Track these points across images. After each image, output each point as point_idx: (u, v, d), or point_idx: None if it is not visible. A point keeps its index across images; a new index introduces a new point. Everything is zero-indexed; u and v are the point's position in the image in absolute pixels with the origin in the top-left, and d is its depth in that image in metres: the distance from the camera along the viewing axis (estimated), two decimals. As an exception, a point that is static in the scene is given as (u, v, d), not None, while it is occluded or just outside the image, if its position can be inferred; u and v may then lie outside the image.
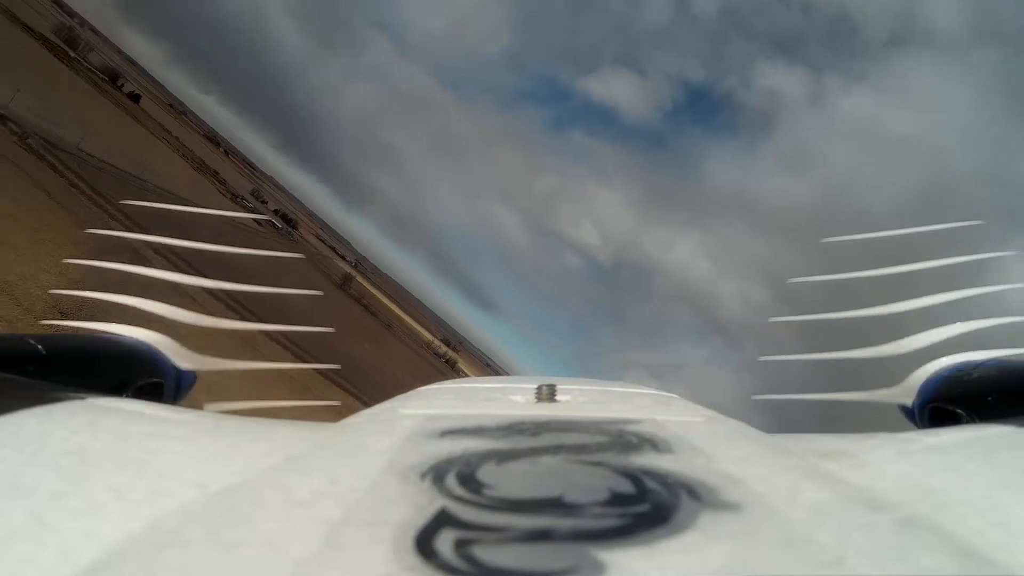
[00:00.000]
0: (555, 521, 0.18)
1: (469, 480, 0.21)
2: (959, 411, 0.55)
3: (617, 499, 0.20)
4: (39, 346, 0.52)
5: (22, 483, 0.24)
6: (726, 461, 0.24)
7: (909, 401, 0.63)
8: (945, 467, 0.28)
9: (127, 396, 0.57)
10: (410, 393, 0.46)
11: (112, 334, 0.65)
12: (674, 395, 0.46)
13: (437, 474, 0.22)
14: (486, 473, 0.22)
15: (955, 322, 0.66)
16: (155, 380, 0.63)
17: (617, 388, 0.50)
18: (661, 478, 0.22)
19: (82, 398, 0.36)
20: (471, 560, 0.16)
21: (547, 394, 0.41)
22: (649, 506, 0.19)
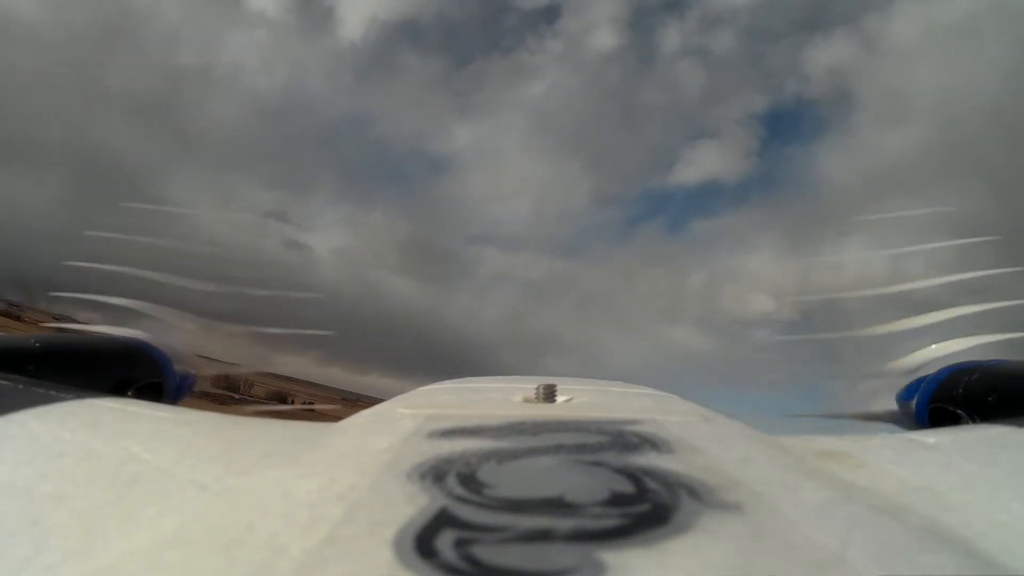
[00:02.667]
0: (555, 521, 0.18)
1: (469, 480, 0.21)
2: (959, 411, 0.55)
3: (617, 499, 0.20)
4: (39, 346, 0.52)
5: (23, 483, 0.24)
6: (726, 461, 0.24)
7: (910, 402, 0.63)
8: (945, 467, 0.28)
9: (128, 396, 0.57)
10: (410, 393, 0.46)
11: (112, 335, 0.65)
12: (674, 395, 0.46)
13: (437, 474, 0.22)
14: (486, 473, 0.22)
15: (958, 328, 0.67)
16: (155, 380, 0.63)
17: (617, 388, 0.50)
18: (661, 478, 0.22)
19: (82, 398, 0.36)
20: (471, 560, 0.16)
21: (547, 394, 0.41)
22: (649, 506, 0.19)
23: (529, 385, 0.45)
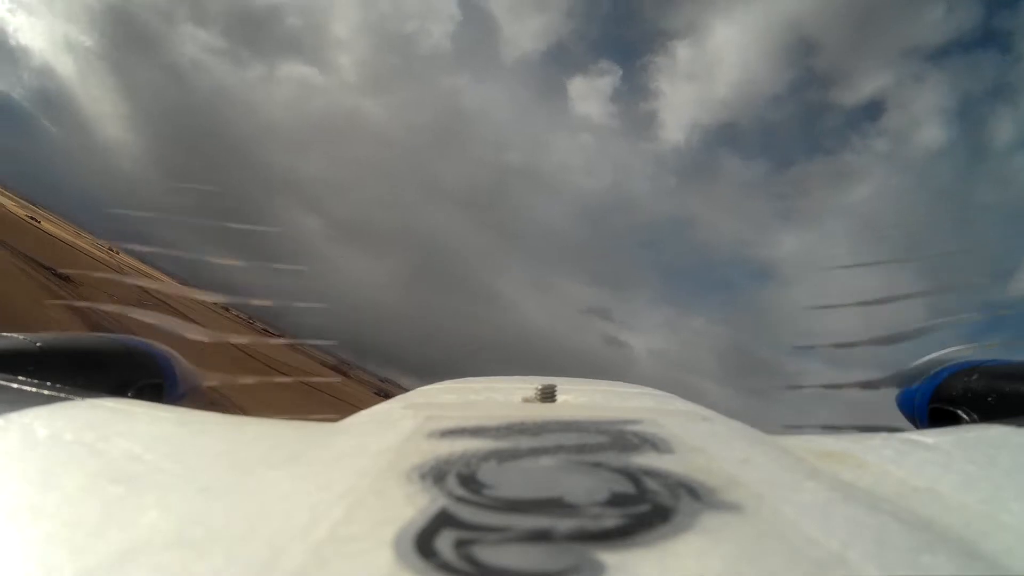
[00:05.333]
0: (555, 521, 0.18)
1: (469, 480, 0.21)
2: (959, 411, 0.55)
3: (617, 499, 0.20)
4: (40, 347, 0.52)
5: (23, 483, 0.24)
6: (726, 461, 0.24)
7: (910, 402, 0.63)
8: (946, 467, 0.28)
9: (128, 397, 0.57)
10: (410, 393, 0.46)
11: (114, 336, 0.65)
12: (674, 395, 0.46)
13: (437, 474, 0.22)
14: (486, 473, 0.22)
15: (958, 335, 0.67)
16: (156, 381, 0.63)
17: (617, 388, 0.50)
18: (661, 478, 0.22)
19: (83, 398, 0.36)
20: (471, 560, 0.16)
21: (547, 394, 0.41)
22: (649, 506, 0.19)
23: (529, 385, 0.45)
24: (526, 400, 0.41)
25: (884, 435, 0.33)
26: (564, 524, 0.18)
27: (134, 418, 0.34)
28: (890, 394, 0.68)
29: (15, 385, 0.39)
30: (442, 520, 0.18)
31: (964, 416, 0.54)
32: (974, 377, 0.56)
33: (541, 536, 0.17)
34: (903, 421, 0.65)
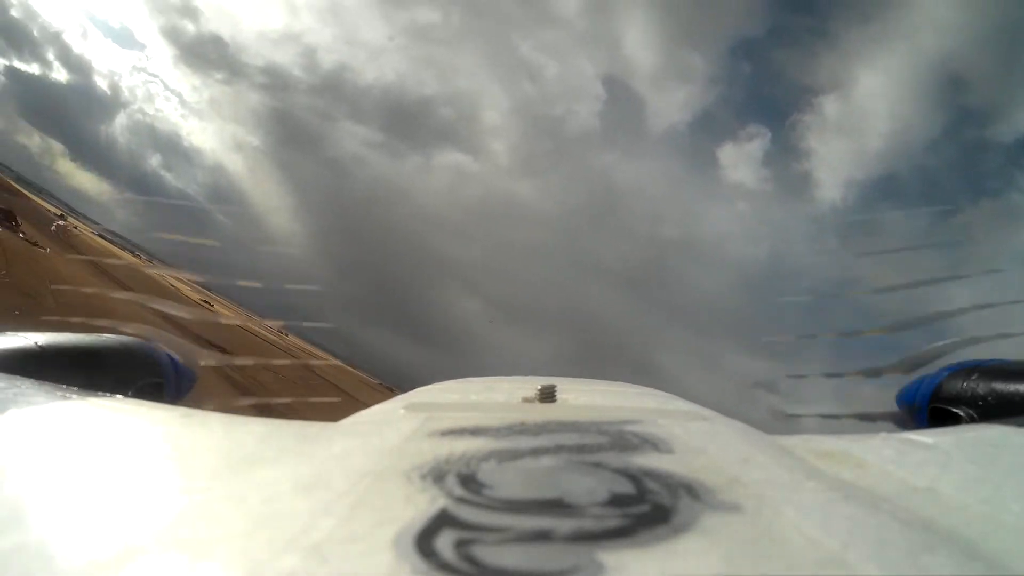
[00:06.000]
0: (555, 522, 0.18)
1: (469, 480, 0.21)
2: (959, 411, 0.55)
3: (617, 500, 0.20)
4: (40, 346, 0.52)
5: (23, 482, 0.24)
6: (726, 461, 0.24)
7: (910, 402, 0.63)
8: (946, 467, 0.28)
9: (128, 396, 0.57)
10: (410, 393, 0.46)
11: (114, 336, 0.65)
12: (674, 395, 0.46)
13: (437, 474, 0.22)
14: (486, 473, 0.22)
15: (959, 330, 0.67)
16: (156, 381, 0.63)
17: (617, 388, 0.50)
18: (661, 478, 0.22)
19: (83, 397, 0.36)
20: (471, 561, 0.16)
21: (547, 394, 0.41)
22: (649, 507, 0.19)
23: (529, 385, 0.45)
24: (526, 400, 0.41)
25: (884, 435, 0.33)
26: (564, 524, 0.18)
27: (134, 418, 0.34)
28: (890, 392, 0.68)
29: (15, 385, 0.39)
30: (442, 520, 0.18)
31: (964, 416, 0.54)
32: (974, 377, 0.56)
33: (541, 536, 0.17)
34: (904, 421, 0.65)
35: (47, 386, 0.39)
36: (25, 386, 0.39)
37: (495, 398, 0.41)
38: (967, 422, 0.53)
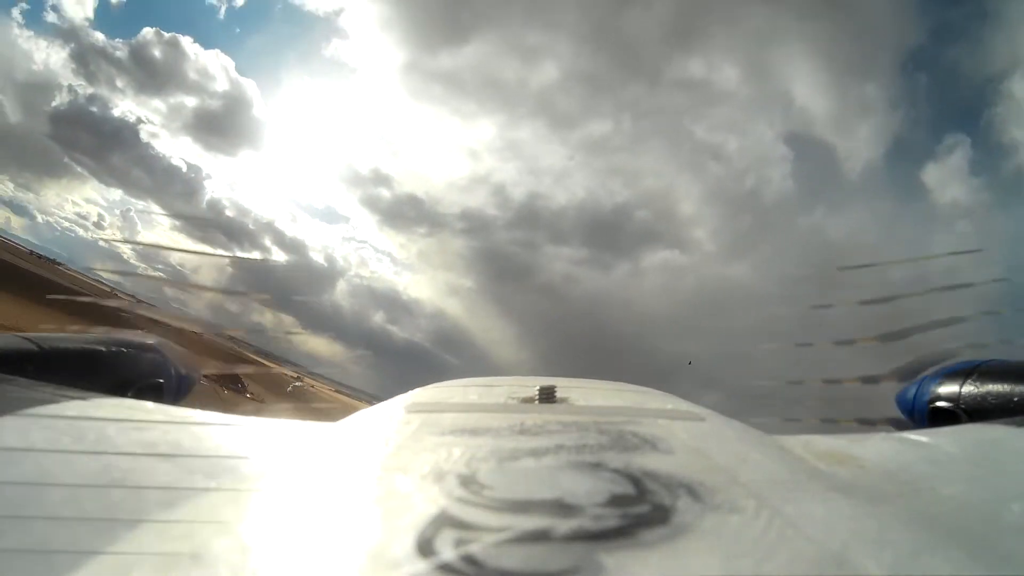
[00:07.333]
0: (555, 522, 0.18)
1: (469, 480, 0.21)
2: (959, 411, 0.55)
3: (617, 500, 0.20)
4: (42, 347, 0.52)
5: (24, 481, 0.24)
6: (726, 461, 0.24)
7: (910, 401, 0.63)
8: (946, 467, 0.28)
9: (128, 397, 0.57)
10: (410, 393, 0.46)
11: (114, 337, 0.65)
12: (674, 395, 0.46)
13: (437, 474, 0.22)
14: (486, 473, 0.22)
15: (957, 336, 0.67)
16: (156, 381, 0.63)
17: (617, 389, 0.50)
18: (661, 479, 0.22)
19: (84, 398, 0.36)
20: (471, 561, 0.16)
21: (547, 394, 0.41)
22: (649, 507, 0.19)
23: (529, 385, 0.45)
24: (526, 400, 0.41)
25: (884, 435, 0.33)
26: (564, 524, 0.18)
27: (134, 418, 0.34)
28: (890, 392, 0.68)
29: (15, 385, 0.39)
30: (442, 520, 0.18)
31: (964, 416, 0.54)
32: (974, 376, 0.56)
33: (541, 536, 0.17)
34: (904, 421, 0.65)
35: (47, 386, 0.39)
36: (26, 386, 0.39)
37: (495, 399, 0.41)
38: (966, 422, 0.53)
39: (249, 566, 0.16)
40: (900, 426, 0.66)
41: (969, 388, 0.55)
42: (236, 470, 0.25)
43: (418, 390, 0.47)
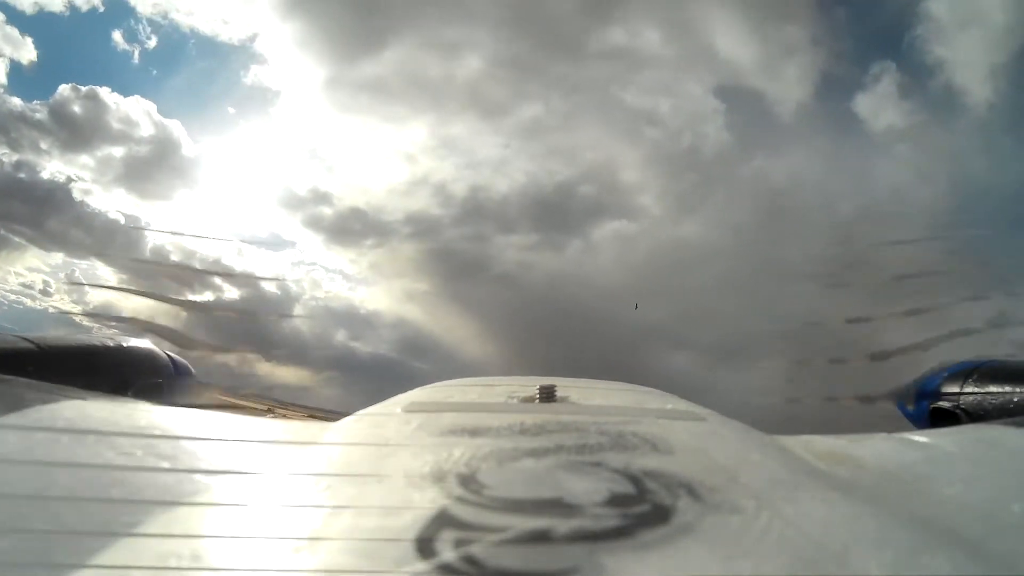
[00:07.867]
0: (555, 522, 0.18)
1: (469, 480, 0.21)
2: (959, 411, 0.55)
3: (617, 500, 0.20)
4: (42, 347, 0.52)
5: (24, 480, 0.24)
6: (726, 461, 0.24)
7: (910, 402, 0.63)
8: (946, 467, 0.28)
9: (128, 397, 0.57)
10: (410, 393, 0.46)
11: (114, 338, 0.65)
12: (674, 395, 0.46)
13: (437, 474, 0.22)
14: (486, 473, 0.22)
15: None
16: (156, 381, 0.63)
17: (617, 388, 0.50)
18: (661, 478, 0.22)
19: (83, 398, 0.36)
20: (471, 560, 0.16)
21: (547, 394, 0.41)
22: (649, 506, 0.19)
23: (529, 385, 0.45)
24: (526, 400, 0.41)
25: (884, 435, 0.33)
26: (564, 525, 0.18)
27: (134, 418, 0.34)
28: (890, 392, 0.68)
29: (15, 385, 0.39)
30: (442, 520, 0.18)
31: (964, 416, 0.54)
32: (973, 377, 0.56)
33: (541, 537, 0.17)
34: (904, 421, 0.65)
35: (48, 386, 0.39)
36: (26, 386, 0.39)
37: (495, 398, 0.41)
38: (967, 422, 0.53)
39: (249, 564, 0.16)
40: (901, 426, 0.66)
41: (969, 389, 0.55)
42: (236, 469, 0.25)
43: (418, 389, 0.47)
